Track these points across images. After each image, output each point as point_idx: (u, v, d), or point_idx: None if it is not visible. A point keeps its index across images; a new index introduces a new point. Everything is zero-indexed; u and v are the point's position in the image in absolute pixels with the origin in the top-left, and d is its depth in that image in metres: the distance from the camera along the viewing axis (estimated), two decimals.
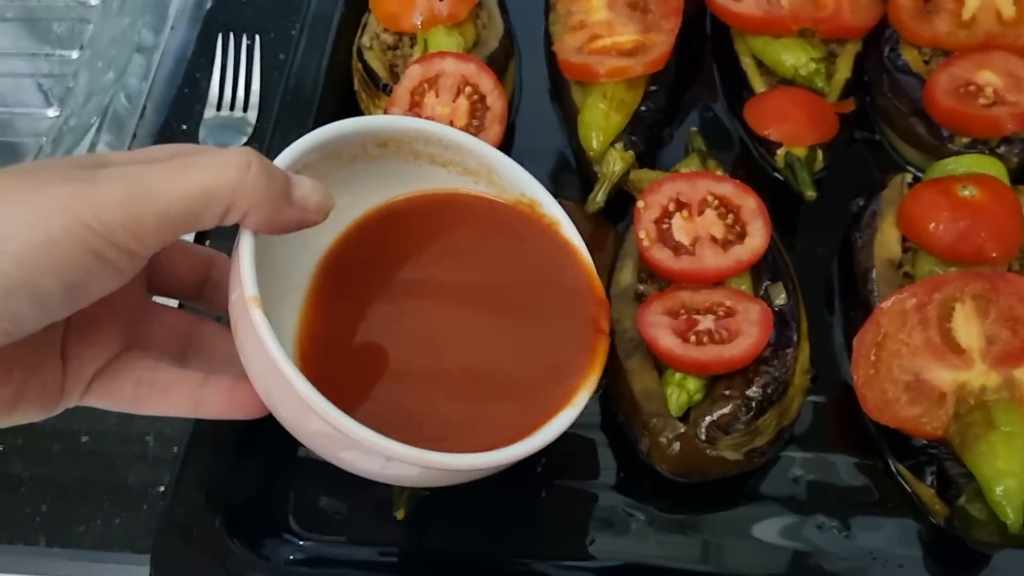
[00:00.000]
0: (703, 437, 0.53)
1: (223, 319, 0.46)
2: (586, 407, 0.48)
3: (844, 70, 0.70)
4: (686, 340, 0.54)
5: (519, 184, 0.50)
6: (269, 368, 0.40)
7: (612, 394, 0.58)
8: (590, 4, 0.70)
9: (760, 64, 0.71)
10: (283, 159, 0.44)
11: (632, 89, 0.68)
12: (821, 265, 0.66)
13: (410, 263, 0.48)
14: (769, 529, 0.56)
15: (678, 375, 0.54)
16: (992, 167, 0.61)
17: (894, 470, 0.57)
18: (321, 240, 0.48)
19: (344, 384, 0.41)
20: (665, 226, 0.59)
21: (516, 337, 0.47)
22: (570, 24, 0.70)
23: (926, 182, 0.61)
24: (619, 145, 0.67)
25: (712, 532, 0.56)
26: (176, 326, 0.47)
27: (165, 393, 0.44)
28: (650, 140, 0.69)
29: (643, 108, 0.68)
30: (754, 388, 0.54)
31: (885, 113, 0.69)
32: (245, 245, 0.40)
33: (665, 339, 0.54)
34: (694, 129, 0.68)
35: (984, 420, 0.52)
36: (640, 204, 0.60)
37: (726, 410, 0.53)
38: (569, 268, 0.49)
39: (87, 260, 0.35)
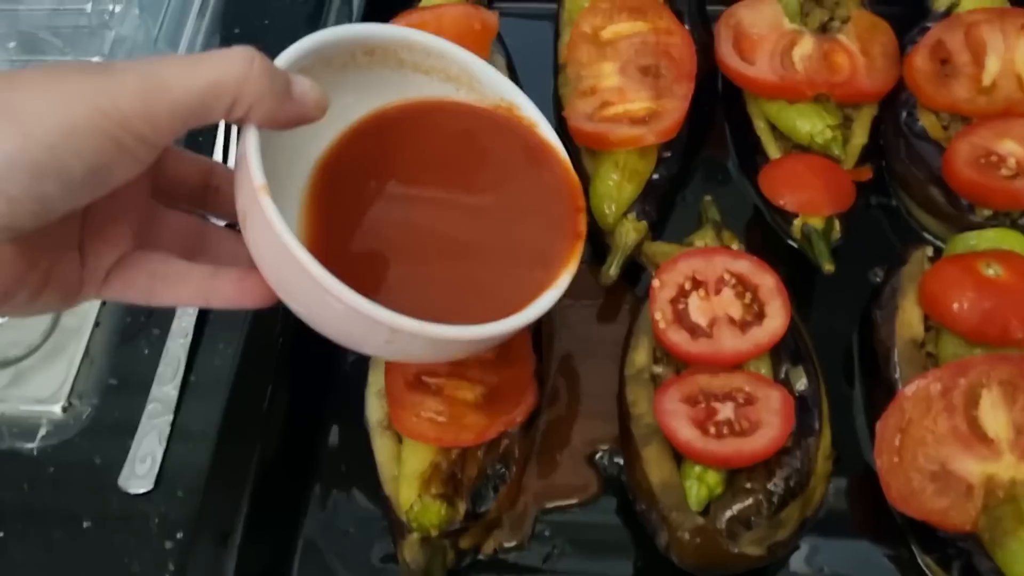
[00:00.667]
0: (724, 532, 0.52)
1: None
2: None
3: (860, 135, 0.68)
4: (705, 431, 0.53)
5: (498, 89, 0.53)
6: (279, 252, 0.42)
7: (629, 482, 0.57)
8: (601, 69, 0.68)
9: (774, 128, 0.69)
10: (280, 61, 0.46)
11: (645, 157, 0.66)
12: (840, 337, 0.65)
13: (400, 165, 0.52)
14: None
15: (698, 468, 0.53)
16: (1016, 242, 0.60)
17: (920, 562, 0.55)
18: (315, 148, 0.51)
19: (347, 274, 0.43)
20: (681, 306, 0.58)
21: (503, 227, 0.51)
22: (580, 89, 0.68)
23: (948, 258, 0.59)
24: (632, 215, 0.65)
25: None
26: (183, 227, 0.50)
27: (177, 284, 0.47)
28: (663, 208, 0.68)
29: (656, 176, 0.67)
30: (776, 480, 0.52)
31: (902, 179, 0.68)
32: (250, 138, 0.43)
33: (684, 431, 0.53)
34: (708, 198, 0.67)
35: (1014, 515, 0.51)
36: (655, 283, 0.58)
37: (747, 504, 0.52)
38: (548, 165, 0.53)
39: (107, 146, 0.38)
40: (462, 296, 0.48)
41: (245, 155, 0.43)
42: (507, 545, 0.58)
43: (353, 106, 0.52)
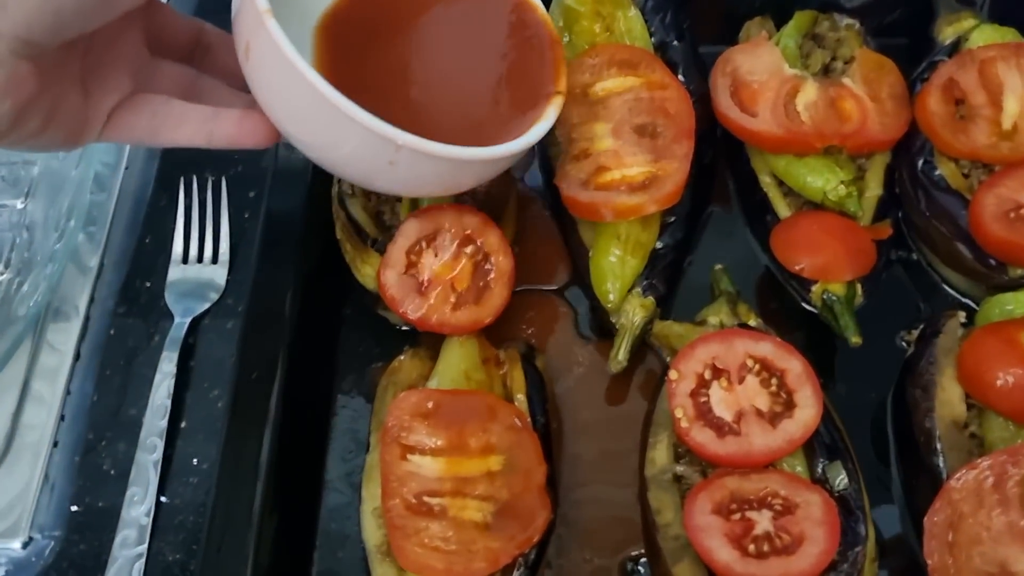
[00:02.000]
0: None
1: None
2: None
3: (875, 186, 0.64)
4: (744, 549, 0.48)
5: None
6: (284, 73, 0.44)
7: None
8: (593, 130, 0.63)
9: (781, 183, 0.64)
10: None
11: (647, 227, 0.61)
12: (868, 408, 0.60)
13: (398, 23, 0.54)
14: None
15: None
16: None
17: None
18: (313, 10, 0.54)
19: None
20: (703, 399, 0.53)
21: (495, 72, 0.54)
22: (572, 153, 0.63)
23: (986, 329, 0.55)
24: (637, 291, 0.60)
25: None
26: (179, 76, 0.52)
27: (179, 123, 0.48)
28: (670, 279, 0.63)
29: (660, 245, 0.62)
30: None
31: (924, 233, 0.63)
32: None
33: (722, 552, 0.47)
34: (719, 267, 0.62)
35: None
36: (672, 375, 0.53)
37: None
38: (530, 18, 0.56)
39: None
40: (462, 128, 0.51)
41: None
42: None
43: None
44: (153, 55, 0.51)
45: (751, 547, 0.48)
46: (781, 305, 0.64)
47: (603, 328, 0.62)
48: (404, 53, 0.54)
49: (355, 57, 0.53)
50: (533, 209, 0.68)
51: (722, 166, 0.70)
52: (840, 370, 0.62)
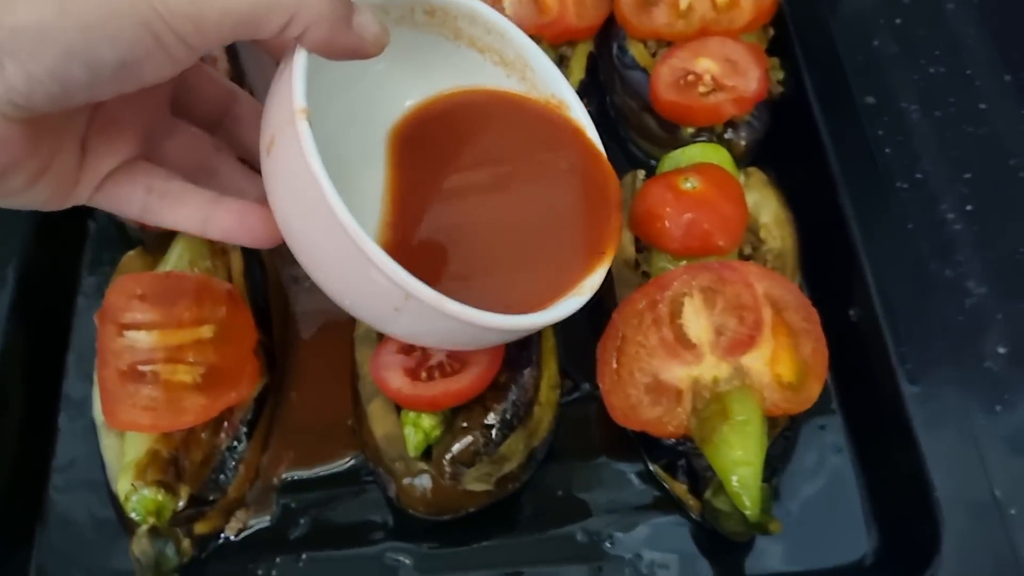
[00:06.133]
0: (446, 474, 0.52)
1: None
2: None
3: (578, 72, 0.69)
4: (417, 378, 0.53)
5: (550, 83, 0.53)
6: (303, 182, 0.40)
7: (360, 441, 0.57)
8: None
9: None
10: None
11: None
12: None
13: (449, 157, 0.51)
14: (540, 549, 0.55)
15: (412, 414, 0.53)
16: (716, 155, 0.62)
17: (652, 470, 0.57)
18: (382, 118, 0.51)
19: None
20: None
21: (540, 227, 0.51)
22: None
23: (652, 179, 0.61)
24: None
25: (483, 564, 0.55)
26: (194, 146, 0.48)
27: (175, 204, 0.45)
28: None
29: None
30: (492, 416, 0.53)
31: (621, 112, 0.70)
32: (299, 60, 0.41)
33: (394, 380, 0.52)
34: None
35: (719, 412, 0.52)
36: None
37: (465, 443, 0.52)
38: (591, 171, 0.52)
39: (146, 39, 0.36)
40: (490, 285, 0.48)
41: (291, 75, 0.40)
42: (253, 524, 0.57)
43: (400, 69, 0.52)
44: (174, 115, 0.48)
45: (423, 375, 0.53)
46: None
47: None
48: (451, 195, 0.50)
49: (422, 180, 0.50)
50: None
51: None
52: None
